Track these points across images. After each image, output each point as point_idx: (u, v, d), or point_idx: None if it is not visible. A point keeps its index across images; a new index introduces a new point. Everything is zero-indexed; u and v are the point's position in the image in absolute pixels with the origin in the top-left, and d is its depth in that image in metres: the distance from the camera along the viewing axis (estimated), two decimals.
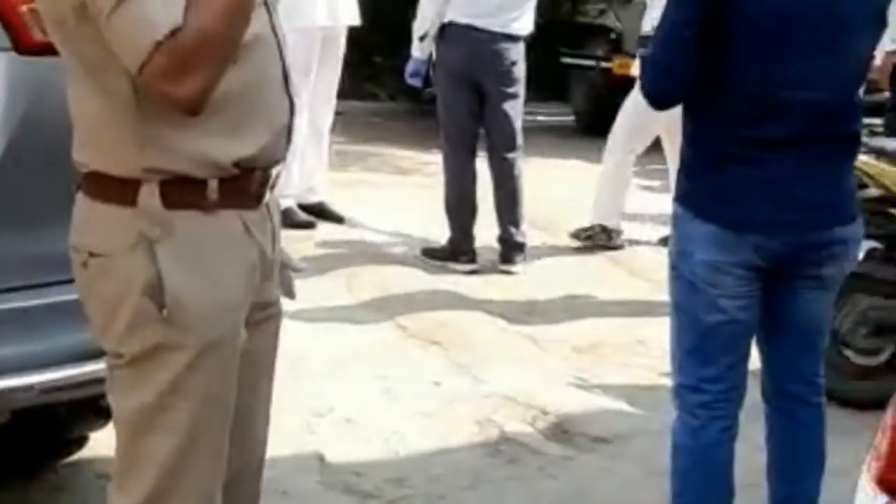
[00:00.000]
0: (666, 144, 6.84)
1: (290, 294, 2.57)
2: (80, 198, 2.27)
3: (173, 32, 2.01)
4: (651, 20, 6.68)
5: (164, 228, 2.16)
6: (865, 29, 3.05)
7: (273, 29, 2.28)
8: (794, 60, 2.91)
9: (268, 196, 2.33)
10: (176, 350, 2.19)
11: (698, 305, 3.05)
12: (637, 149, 6.78)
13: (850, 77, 3.07)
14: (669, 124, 6.44)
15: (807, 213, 3.02)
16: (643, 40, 6.68)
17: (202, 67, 2.04)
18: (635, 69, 6.83)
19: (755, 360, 3.24)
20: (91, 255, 2.22)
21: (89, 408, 3.20)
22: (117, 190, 2.18)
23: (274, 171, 2.32)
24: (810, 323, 3.16)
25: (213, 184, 2.19)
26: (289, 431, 3.96)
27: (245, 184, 2.24)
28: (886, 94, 7.29)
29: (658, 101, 3.14)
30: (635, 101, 6.71)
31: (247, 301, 2.29)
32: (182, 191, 2.17)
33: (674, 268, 3.12)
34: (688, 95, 3.02)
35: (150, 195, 2.16)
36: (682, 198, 3.09)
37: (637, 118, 6.63)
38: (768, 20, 2.89)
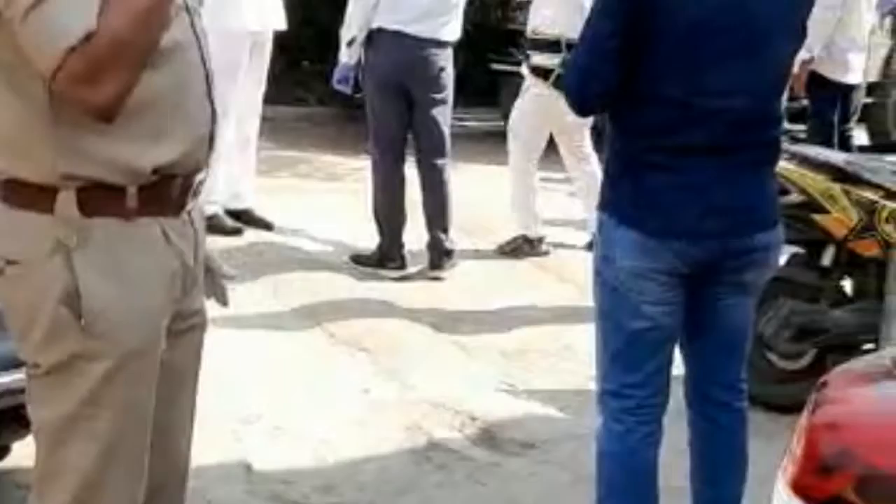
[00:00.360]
0: (562, 148, 6.88)
1: (223, 301, 2.56)
2: None
3: (88, 37, 1.99)
4: (532, 23, 6.73)
5: (81, 236, 2.14)
6: (786, 38, 3.08)
7: (195, 34, 2.26)
8: (714, 69, 2.93)
9: (190, 203, 2.31)
10: (94, 360, 2.17)
11: (622, 311, 3.07)
12: (535, 154, 6.82)
13: (771, 85, 3.10)
14: (562, 126, 6.52)
15: (729, 220, 3.04)
16: (531, 43, 6.72)
17: (116, 73, 2.02)
18: (524, 69, 6.86)
19: (678, 365, 3.26)
20: (8, 262, 2.19)
21: (11, 418, 3.15)
22: (34, 197, 2.15)
23: (196, 179, 2.30)
24: (732, 328, 3.20)
25: (132, 190, 2.17)
26: (215, 439, 3.92)
27: (165, 191, 2.22)
28: (804, 102, 7.42)
29: (582, 106, 3.16)
30: (523, 110, 6.77)
31: (167, 310, 2.28)
32: (100, 198, 2.15)
33: (598, 274, 3.13)
34: (611, 103, 3.04)
35: (67, 202, 2.14)
36: (605, 205, 3.11)
37: (527, 127, 6.73)
38: (688, 30, 2.91)
